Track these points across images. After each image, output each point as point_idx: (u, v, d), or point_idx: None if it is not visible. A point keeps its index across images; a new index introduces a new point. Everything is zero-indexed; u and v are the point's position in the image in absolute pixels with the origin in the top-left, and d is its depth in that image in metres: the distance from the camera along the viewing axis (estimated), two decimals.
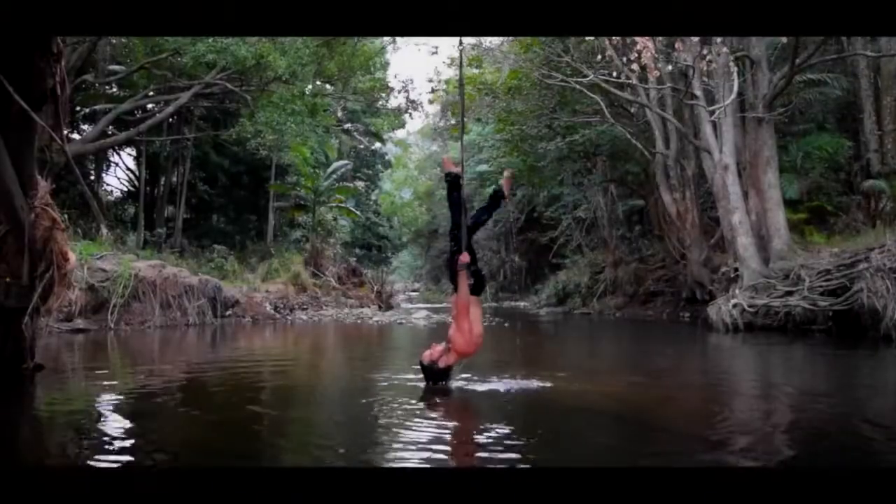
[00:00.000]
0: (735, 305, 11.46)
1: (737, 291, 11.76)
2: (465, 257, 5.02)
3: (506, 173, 5.97)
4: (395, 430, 3.78)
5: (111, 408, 4.57)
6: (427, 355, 5.03)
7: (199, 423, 4.12)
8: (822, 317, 10.47)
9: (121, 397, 5.02)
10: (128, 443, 3.54)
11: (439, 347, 5.02)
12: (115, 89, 18.17)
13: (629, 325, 15.23)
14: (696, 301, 15.38)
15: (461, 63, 6.16)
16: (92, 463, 3.11)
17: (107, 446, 3.40)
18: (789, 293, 10.90)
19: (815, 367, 7.59)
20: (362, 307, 17.70)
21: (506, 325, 14.10)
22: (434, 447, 3.42)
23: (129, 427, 3.95)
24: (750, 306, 11.27)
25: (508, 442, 3.54)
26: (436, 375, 5.01)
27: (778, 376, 6.87)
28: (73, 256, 5.78)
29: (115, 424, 4.01)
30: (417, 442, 3.49)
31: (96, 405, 4.65)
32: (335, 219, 24.74)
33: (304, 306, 16.17)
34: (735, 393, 5.49)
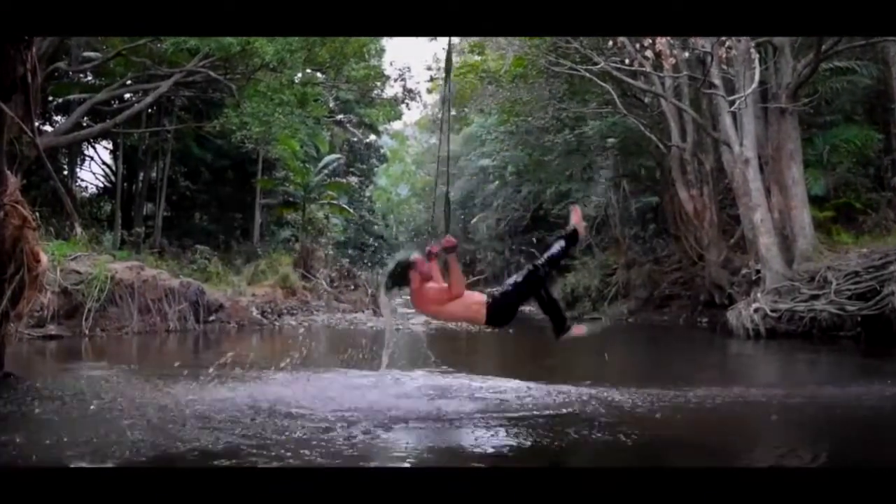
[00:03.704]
0: (756, 310, 11.45)
1: (758, 295, 11.76)
2: (451, 240, 4.88)
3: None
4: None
5: (83, 416, 4.57)
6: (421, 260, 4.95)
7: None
8: (850, 322, 10.47)
9: (93, 406, 5.01)
10: (102, 446, 3.55)
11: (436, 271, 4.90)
12: (90, 78, 18.16)
13: (643, 330, 15.22)
14: (715, 305, 15.37)
15: (448, 70, 6.04)
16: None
17: (78, 451, 3.41)
18: (815, 297, 10.90)
19: (843, 375, 7.57)
20: (356, 312, 17.69)
21: (510, 331, 14.08)
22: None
23: (103, 434, 3.96)
24: (772, 311, 11.27)
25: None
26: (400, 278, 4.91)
27: (814, 386, 6.83)
28: (44, 257, 5.78)
29: (87, 432, 4.01)
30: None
31: (67, 414, 4.65)
32: (327, 217, 24.72)
33: (293, 311, 16.16)
34: (772, 406, 5.44)
